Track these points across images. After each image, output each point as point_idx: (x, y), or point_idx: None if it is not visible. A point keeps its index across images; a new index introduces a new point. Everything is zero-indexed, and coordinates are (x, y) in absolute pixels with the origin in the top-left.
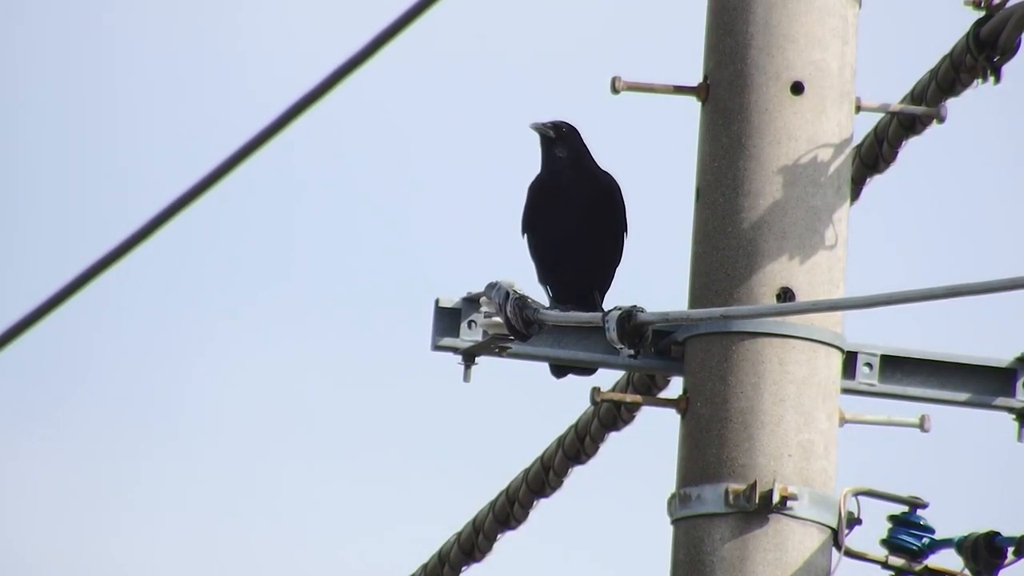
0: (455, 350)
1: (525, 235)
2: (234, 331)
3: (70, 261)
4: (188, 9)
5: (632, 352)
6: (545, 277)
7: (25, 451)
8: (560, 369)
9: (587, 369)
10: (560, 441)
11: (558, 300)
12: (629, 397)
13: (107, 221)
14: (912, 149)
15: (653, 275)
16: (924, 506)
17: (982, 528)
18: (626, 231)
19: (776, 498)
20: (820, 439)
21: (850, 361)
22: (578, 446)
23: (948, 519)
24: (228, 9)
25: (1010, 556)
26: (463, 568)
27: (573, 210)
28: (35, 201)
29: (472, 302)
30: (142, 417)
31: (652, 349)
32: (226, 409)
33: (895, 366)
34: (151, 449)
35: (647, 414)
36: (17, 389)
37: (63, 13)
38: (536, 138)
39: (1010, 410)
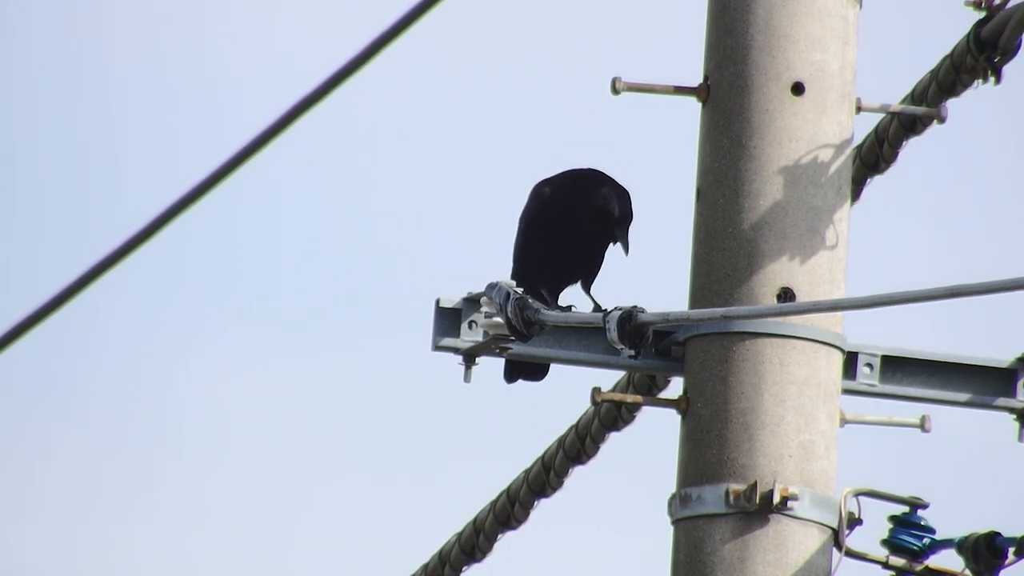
0: (456, 350)
1: (520, 235)
2: (234, 338)
3: (67, 266)
4: (178, 23)
5: (633, 353)
6: (536, 278)
7: (29, 462)
8: (512, 374)
9: (538, 374)
10: (561, 441)
11: (554, 299)
12: (630, 397)
13: (100, 229)
14: (912, 149)
15: (653, 275)
16: (925, 506)
17: (983, 528)
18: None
19: (777, 498)
20: (821, 439)
21: (851, 361)
22: (579, 446)
23: (949, 519)
24: (219, 19)
25: (1011, 556)
26: (464, 568)
27: (582, 225)
28: (28, 208)
29: (473, 302)
30: (147, 427)
31: (652, 349)
32: (229, 416)
33: (896, 366)
34: (154, 460)
35: (647, 414)
36: (18, 399)
37: (50, 24)
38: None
39: (1011, 410)
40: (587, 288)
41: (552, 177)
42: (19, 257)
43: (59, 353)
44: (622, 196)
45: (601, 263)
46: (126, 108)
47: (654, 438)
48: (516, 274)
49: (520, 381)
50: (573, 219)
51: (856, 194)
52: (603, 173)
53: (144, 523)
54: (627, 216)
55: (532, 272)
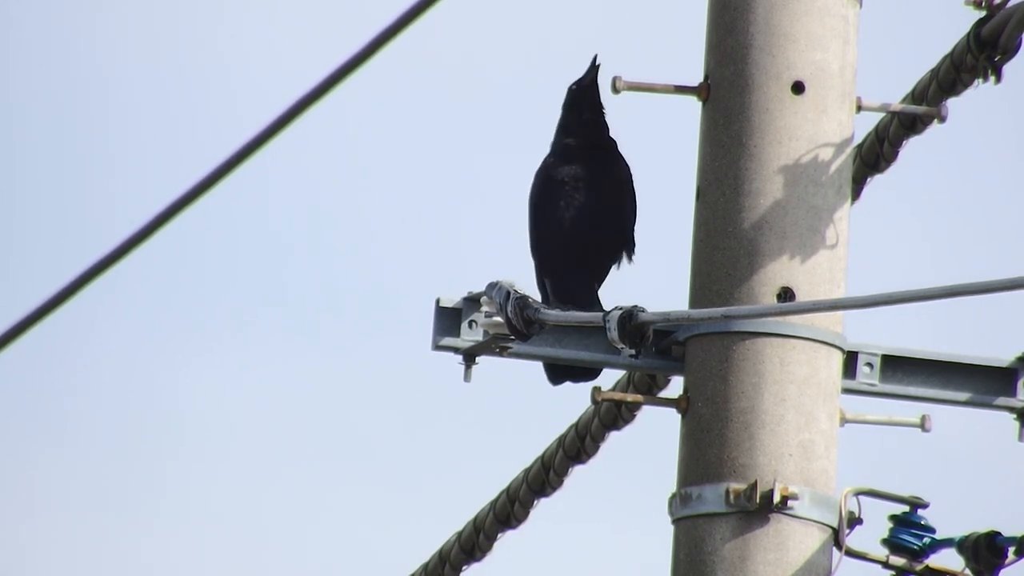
0: (456, 350)
1: (530, 226)
2: (235, 340)
3: (65, 266)
4: (178, 23)
5: (633, 352)
6: (546, 270)
7: (29, 465)
8: (557, 376)
9: (587, 375)
10: (561, 440)
11: (556, 297)
12: (630, 397)
13: (99, 229)
14: (913, 149)
15: (654, 275)
16: (925, 506)
17: (983, 528)
18: (635, 219)
19: (777, 498)
20: (821, 439)
21: (851, 361)
22: (579, 445)
23: (949, 519)
24: (218, 20)
25: (1011, 556)
26: (464, 567)
27: (585, 198)
28: (26, 207)
29: (473, 302)
30: (149, 431)
31: (653, 349)
32: (230, 416)
33: (896, 366)
34: (157, 464)
35: (648, 414)
36: (18, 400)
37: (48, 24)
38: (547, 123)
39: (1011, 410)
40: (598, 278)
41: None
42: (18, 256)
43: (57, 355)
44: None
45: (617, 256)
46: (125, 107)
47: (654, 437)
48: (538, 266)
49: (567, 384)
50: (576, 188)
51: (856, 193)
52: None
53: (146, 526)
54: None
55: (553, 268)
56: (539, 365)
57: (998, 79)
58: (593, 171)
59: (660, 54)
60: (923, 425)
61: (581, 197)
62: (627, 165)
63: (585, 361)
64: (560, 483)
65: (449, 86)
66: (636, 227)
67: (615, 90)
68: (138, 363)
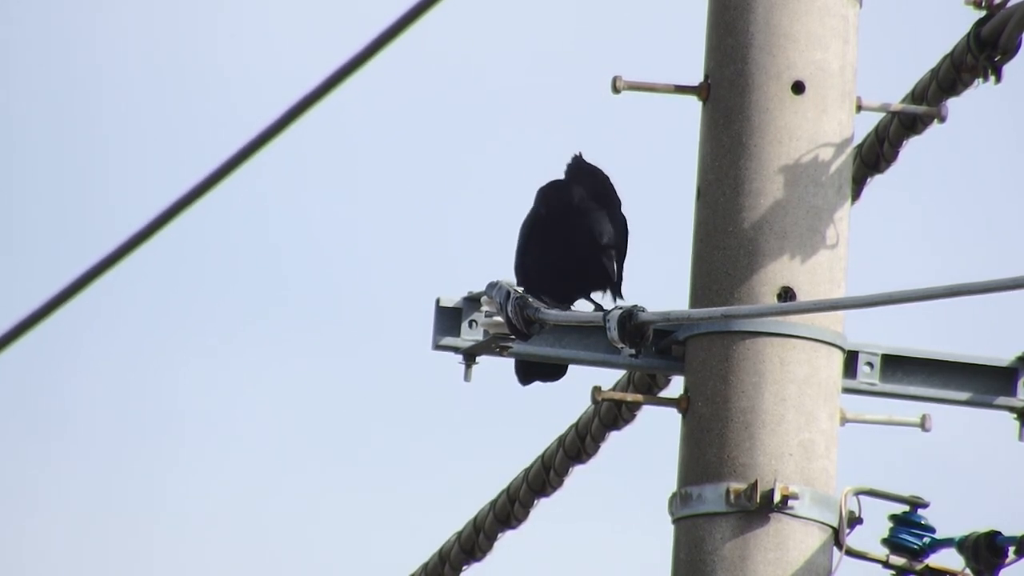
0: (456, 349)
1: (523, 244)
2: (234, 342)
3: (62, 269)
4: (172, 27)
5: (633, 351)
6: (540, 284)
7: (31, 464)
8: (526, 376)
9: (554, 375)
10: (561, 440)
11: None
12: (630, 396)
13: (96, 233)
14: (913, 148)
15: (654, 275)
16: (925, 505)
17: (983, 527)
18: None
19: (777, 497)
20: (821, 438)
21: (851, 360)
22: (579, 445)
23: (949, 518)
24: (211, 24)
25: (1011, 555)
26: (464, 567)
27: (584, 219)
28: (22, 210)
29: (473, 301)
30: (147, 436)
31: (653, 348)
32: (230, 414)
33: (896, 365)
34: (155, 469)
35: (648, 413)
36: (14, 405)
37: (45, 25)
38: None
39: (1011, 409)
40: (587, 294)
41: (557, 181)
42: (18, 257)
43: (57, 355)
44: (616, 223)
45: (611, 273)
46: (124, 108)
47: (654, 437)
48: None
49: (536, 383)
50: (568, 232)
51: (856, 193)
52: (608, 186)
53: (146, 526)
54: (613, 244)
55: (532, 282)
56: (538, 365)
57: (998, 79)
58: (589, 219)
59: (660, 54)
60: (923, 425)
61: (569, 246)
62: (625, 221)
63: (585, 361)
64: (560, 483)
65: (448, 86)
66: (624, 267)
67: (616, 90)
68: (138, 363)
